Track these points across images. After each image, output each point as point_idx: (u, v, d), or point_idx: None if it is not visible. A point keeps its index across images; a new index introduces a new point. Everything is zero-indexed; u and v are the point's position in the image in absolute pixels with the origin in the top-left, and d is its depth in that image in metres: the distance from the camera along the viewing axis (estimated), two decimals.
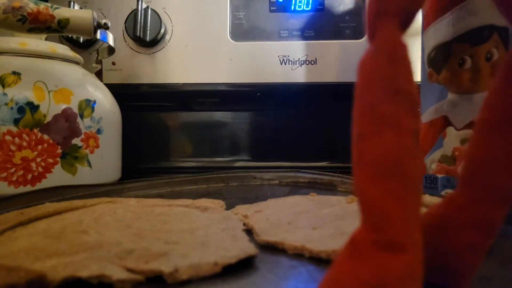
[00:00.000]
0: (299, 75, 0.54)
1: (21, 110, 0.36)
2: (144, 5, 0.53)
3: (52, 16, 0.39)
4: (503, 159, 0.13)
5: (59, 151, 0.38)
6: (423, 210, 0.25)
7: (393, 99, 0.12)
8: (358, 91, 0.12)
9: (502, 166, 0.13)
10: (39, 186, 0.37)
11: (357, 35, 0.54)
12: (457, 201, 0.14)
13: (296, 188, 0.41)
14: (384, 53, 0.12)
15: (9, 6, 0.38)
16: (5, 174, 0.35)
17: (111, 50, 0.50)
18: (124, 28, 0.54)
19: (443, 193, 0.34)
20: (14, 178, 0.36)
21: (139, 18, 0.52)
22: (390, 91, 0.12)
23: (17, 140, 0.36)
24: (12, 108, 0.36)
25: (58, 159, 0.38)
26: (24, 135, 0.36)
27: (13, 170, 0.36)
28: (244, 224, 0.23)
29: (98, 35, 0.43)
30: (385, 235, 0.11)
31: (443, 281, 0.14)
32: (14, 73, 0.37)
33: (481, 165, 0.13)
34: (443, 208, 0.14)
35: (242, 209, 0.27)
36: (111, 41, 0.47)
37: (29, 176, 0.36)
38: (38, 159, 0.37)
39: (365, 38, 0.54)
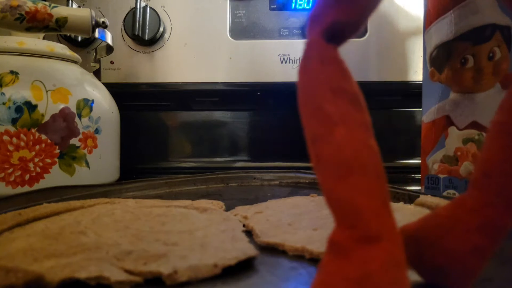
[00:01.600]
0: None
1: (18, 109, 0.36)
2: (143, 4, 0.52)
3: (50, 15, 0.38)
4: None
5: (57, 151, 0.38)
6: (427, 211, 0.25)
7: (334, 98, 0.12)
8: (300, 97, 0.13)
9: None
10: (37, 186, 0.36)
11: (358, 34, 0.54)
12: (466, 203, 0.14)
13: (296, 188, 0.41)
14: (314, 57, 0.13)
15: (7, 5, 0.37)
16: (2, 174, 0.35)
17: (109, 49, 0.50)
18: (122, 27, 0.53)
19: (445, 193, 0.34)
20: (12, 179, 0.35)
21: (137, 16, 0.51)
22: (329, 91, 0.12)
23: (14, 140, 0.35)
24: (9, 107, 0.35)
25: (56, 159, 0.38)
26: (22, 135, 0.36)
27: (10, 170, 0.35)
28: (244, 225, 0.23)
29: (96, 34, 0.43)
30: (359, 228, 0.11)
31: (445, 283, 0.14)
32: (11, 72, 0.37)
33: (494, 168, 0.13)
34: (452, 209, 0.14)
35: (241, 210, 0.27)
36: (109, 40, 0.47)
37: (27, 177, 0.36)
38: (36, 159, 0.36)
39: (367, 37, 0.54)
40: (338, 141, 0.12)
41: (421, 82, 0.39)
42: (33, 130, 0.36)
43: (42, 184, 0.36)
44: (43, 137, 0.37)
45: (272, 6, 0.55)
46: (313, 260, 0.18)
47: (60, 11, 0.39)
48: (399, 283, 0.11)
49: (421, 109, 0.39)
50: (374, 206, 0.11)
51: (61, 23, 0.39)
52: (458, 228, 0.13)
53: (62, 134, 0.38)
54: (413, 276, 0.15)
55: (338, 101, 0.12)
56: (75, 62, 0.44)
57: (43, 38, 0.42)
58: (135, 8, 0.52)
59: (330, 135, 0.12)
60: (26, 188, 0.36)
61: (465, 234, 0.13)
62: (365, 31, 0.54)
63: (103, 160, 0.42)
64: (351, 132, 0.12)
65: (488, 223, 0.13)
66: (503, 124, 0.13)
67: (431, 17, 0.36)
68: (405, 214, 0.25)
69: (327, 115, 0.12)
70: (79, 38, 0.52)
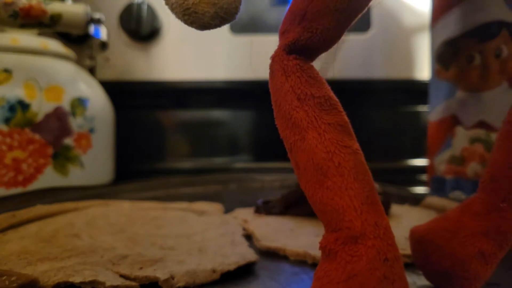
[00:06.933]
0: None
1: (12, 109, 0.35)
2: None
3: (45, 12, 0.38)
4: None
5: (51, 151, 0.37)
6: (434, 213, 0.25)
7: (301, 104, 0.13)
8: (274, 109, 0.14)
9: None
10: (30, 187, 0.36)
11: (361, 28, 0.53)
12: (473, 207, 0.14)
13: None
14: (278, 69, 0.13)
15: (1, 2, 0.37)
16: None
17: (104, 45, 0.49)
18: (118, 22, 0.53)
19: (451, 195, 0.34)
20: (5, 179, 0.35)
21: (134, 11, 0.50)
22: (295, 99, 0.13)
23: (8, 140, 0.35)
24: (3, 107, 0.35)
25: (50, 159, 0.37)
26: (15, 135, 0.35)
27: (4, 171, 0.35)
28: (244, 229, 0.23)
29: (91, 30, 0.42)
30: (342, 229, 0.11)
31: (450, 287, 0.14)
32: (5, 70, 0.36)
33: (502, 172, 0.13)
34: (459, 212, 0.14)
35: (241, 213, 0.27)
36: (104, 36, 0.46)
37: (20, 177, 0.35)
38: (30, 160, 0.36)
39: (371, 33, 0.53)
40: (310, 146, 0.12)
41: (427, 80, 0.38)
42: (26, 130, 0.36)
43: (35, 185, 0.36)
44: (37, 136, 0.36)
45: (273, 1, 0.54)
46: (316, 265, 0.18)
47: (54, 7, 0.39)
48: (390, 279, 0.10)
49: (427, 107, 0.38)
50: (355, 205, 0.11)
51: (56, 19, 0.39)
52: (464, 232, 0.13)
53: (55, 133, 0.37)
54: (422, 281, 0.15)
55: (305, 107, 0.13)
56: (69, 59, 0.43)
57: (38, 34, 0.41)
58: (131, 2, 0.51)
59: (302, 141, 0.12)
60: (20, 189, 0.35)
61: (471, 238, 0.13)
62: (369, 27, 0.53)
63: (97, 161, 0.42)
64: (321, 135, 0.12)
65: (494, 228, 0.13)
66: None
67: (437, 13, 0.36)
68: (411, 217, 0.25)
69: (297, 122, 0.12)
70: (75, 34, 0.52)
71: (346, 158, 0.12)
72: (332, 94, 0.13)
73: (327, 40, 0.13)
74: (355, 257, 0.11)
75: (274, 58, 0.14)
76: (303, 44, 0.13)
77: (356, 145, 0.12)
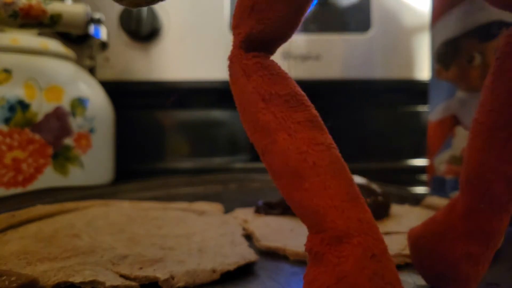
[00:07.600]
0: (301, 71, 0.53)
1: (12, 109, 0.35)
2: None
3: (44, 12, 0.38)
4: (498, 165, 0.12)
5: (51, 151, 0.37)
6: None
7: (267, 106, 0.12)
8: (239, 113, 0.13)
9: (497, 173, 0.12)
10: (30, 187, 0.36)
11: (362, 28, 0.53)
12: (456, 208, 0.13)
13: None
14: (238, 70, 0.12)
15: (1, 2, 0.37)
16: None
17: (104, 45, 0.49)
18: (118, 22, 0.53)
19: (452, 195, 0.34)
20: (5, 179, 0.35)
21: (134, 11, 0.50)
22: (260, 100, 0.12)
23: (8, 140, 0.35)
24: (2, 107, 0.35)
25: (50, 159, 0.37)
26: (15, 135, 0.35)
27: (3, 171, 0.35)
28: (244, 229, 0.23)
29: (91, 30, 0.42)
30: (326, 230, 0.11)
31: None
32: (5, 70, 0.36)
33: (475, 172, 0.12)
34: (445, 215, 0.14)
35: (241, 213, 0.27)
36: (104, 36, 0.46)
37: (20, 177, 0.35)
38: (30, 160, 0.36)
39: (371, 33, 0.53)
40: (282, 148, 0.11)
41: (427, 80, 0.38)
42: (26, 130, 0.36)
43: (35, 185, 0.36)
44: (37, 137, 0.36)
45: None
46: None
47: (54, 7, 0.39)
48: (380, 274, 0.10)
49: (427, 107, 0.38)
50: (336, 204, 0.11)
51: (56, 19, 0.39)
52: (451, 234, 0.13)
53: (55, 133, 0.37)
54: (422, 281, 0.15)
55: (272, 108, 0.12)
56: (69, 59, 0.43)
57: (39, 34, 0.41)
58: None
59: (274, 144, 0.12)
60: (19, 189, 0.35)
61: (457, 241, 0.13)
62: (369, 27, 0.53)
63: (97, 161, 0.42)
64: (292, 135, 0.12)
65: (476, 229, 0.13)
66: (481, 124, 0.12)
67: (437, 13, 0.36)
68: (411, 217, 0.25)
69: (265, 126, 0.12)
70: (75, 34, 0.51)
71: (321, 156, 0.11)
72: (297, 89, 0.12)
73: (282, 29, 0.13)
74: (342, 258, 0.10)
75: (231, 58, 0.13)
76: (257, 37, 0.12)
77: (329, 140, 0.12)
